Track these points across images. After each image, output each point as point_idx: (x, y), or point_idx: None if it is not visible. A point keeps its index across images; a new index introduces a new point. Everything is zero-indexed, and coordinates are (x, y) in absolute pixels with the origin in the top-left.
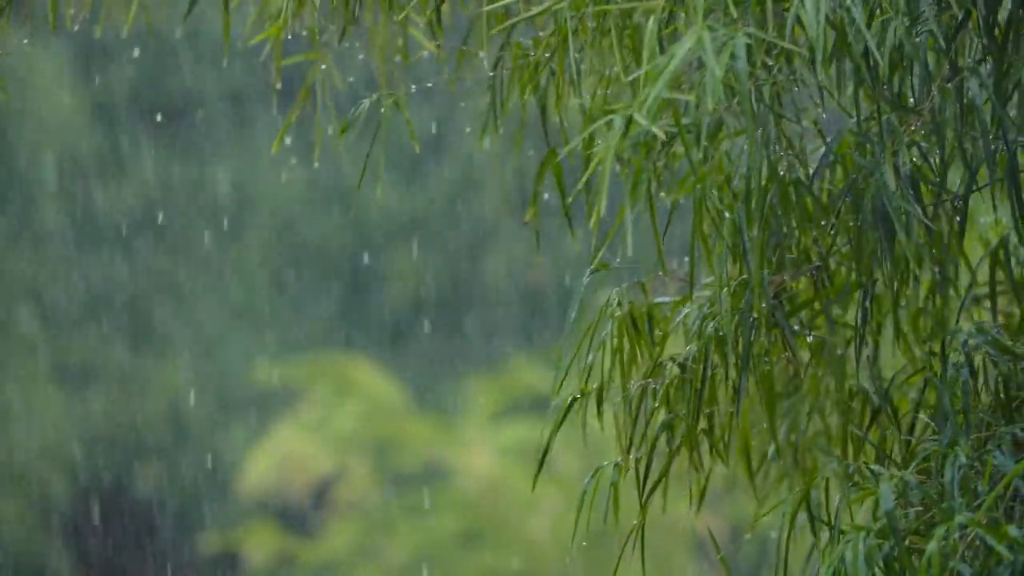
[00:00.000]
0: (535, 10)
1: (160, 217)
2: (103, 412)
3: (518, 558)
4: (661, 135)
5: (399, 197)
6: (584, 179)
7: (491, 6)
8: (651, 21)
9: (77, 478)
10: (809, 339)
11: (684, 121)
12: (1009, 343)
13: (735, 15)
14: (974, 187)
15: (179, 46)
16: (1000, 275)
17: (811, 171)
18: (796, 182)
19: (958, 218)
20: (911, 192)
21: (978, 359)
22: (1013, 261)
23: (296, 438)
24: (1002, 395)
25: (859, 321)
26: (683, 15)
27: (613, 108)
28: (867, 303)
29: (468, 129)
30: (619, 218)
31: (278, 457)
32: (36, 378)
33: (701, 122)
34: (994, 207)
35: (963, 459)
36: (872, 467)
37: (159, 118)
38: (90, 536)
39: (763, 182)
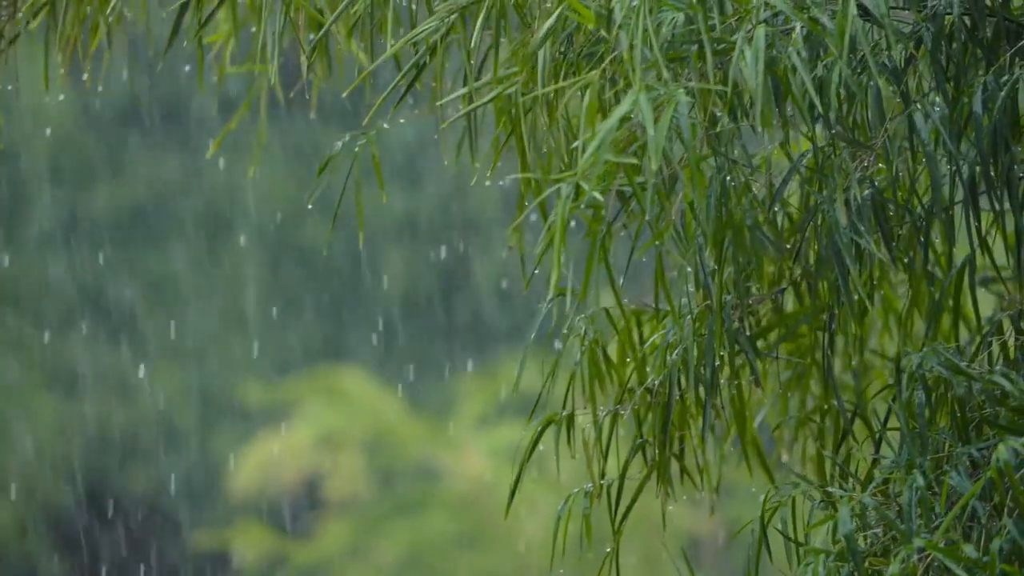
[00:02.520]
0: (485, 99)
1: (152, 220)
2: (94, 416)
3: (509, 559)
4: (601, 199)
5: (388, 200)
6: (544, 247)
7: (443, 100)
8: (587, 95)
9: (72, 480)
10: (774, 360)
11: (638, 180)
12: (963, 364)
13: (668, 75)
14: (934, 210)
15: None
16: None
17: (773, 203)
18: (752, 226)
19: (922, 238)
20: (863, 222)
21: (934, 380)
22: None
23: (287, 439)
24: (958, 415)
25: (825, 344)
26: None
27: (561, 177)
28: (832, 327)
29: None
30: (585, 279)
31: (269, 458)
32: (28, 382)
33: (652, 182)
34: (969, 229)
35: (920, 481)
36: (830, 489)
37: (150, 121)
38: (84, 537)
39: (721, 221)
